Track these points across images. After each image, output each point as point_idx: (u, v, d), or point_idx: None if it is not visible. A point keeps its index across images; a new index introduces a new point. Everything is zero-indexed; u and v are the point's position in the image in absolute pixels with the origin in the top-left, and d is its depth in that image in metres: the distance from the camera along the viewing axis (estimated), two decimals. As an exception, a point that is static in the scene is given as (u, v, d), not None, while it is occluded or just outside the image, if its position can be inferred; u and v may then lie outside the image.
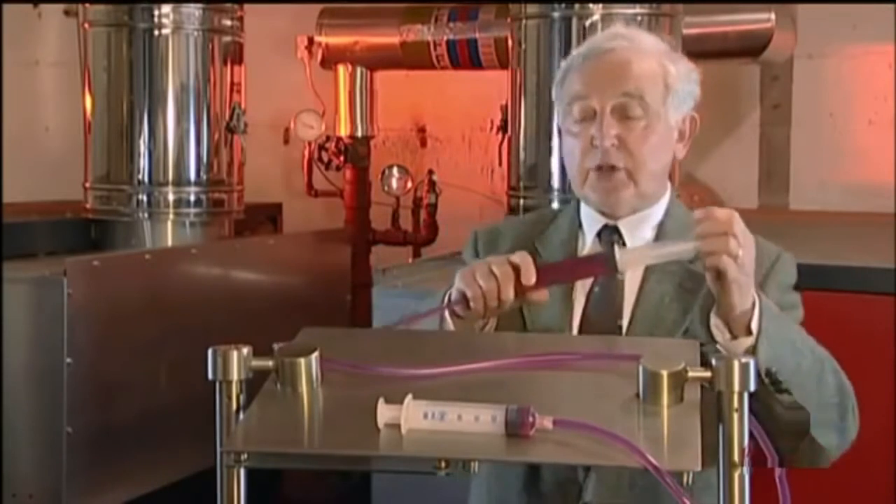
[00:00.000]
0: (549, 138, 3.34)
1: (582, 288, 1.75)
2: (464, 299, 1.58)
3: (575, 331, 1.74)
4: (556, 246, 1.81)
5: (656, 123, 1.74)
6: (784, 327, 1.63)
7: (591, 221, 1.82)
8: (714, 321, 1.61)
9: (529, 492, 1.73)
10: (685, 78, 1.80)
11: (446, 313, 1.62)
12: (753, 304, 1.59)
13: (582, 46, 1.81)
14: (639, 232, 1.79)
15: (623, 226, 1.79)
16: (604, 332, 1.72)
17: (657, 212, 1.81)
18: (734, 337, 1.59)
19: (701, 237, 1.56)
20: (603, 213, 1.80)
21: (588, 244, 1.81)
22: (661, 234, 1.79)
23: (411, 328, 1.62)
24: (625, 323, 1.74)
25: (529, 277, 1.56)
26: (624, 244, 1.77)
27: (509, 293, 1.56)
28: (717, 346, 1.59)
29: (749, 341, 1.58)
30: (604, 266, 1.61)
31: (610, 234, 1.80)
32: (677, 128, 1.80)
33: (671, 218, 1.81)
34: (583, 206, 1.84)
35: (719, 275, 1.56)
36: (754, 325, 1.58)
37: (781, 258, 1.77)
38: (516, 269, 1.56)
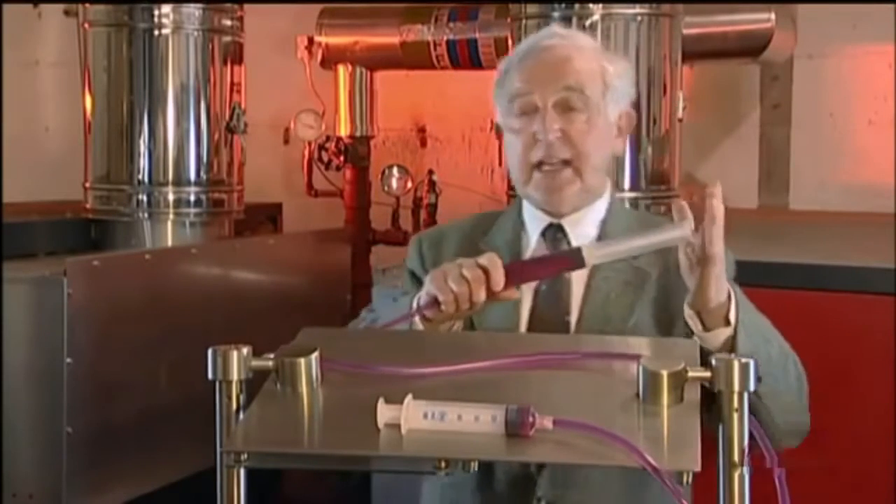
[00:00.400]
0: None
1: (529, 286, 1.76)
2: (435, 303, 1.60)
3: (524, 328, 1.76)
4: (501, 246, 1.83)
5: (597, 117, 1.77)
6: (756, 319, 1.68)
7: (534, 220, 1.84)
8: (688, 312, 1.62)
9: (483, 489, 1.74)
10: (622, 76, 1.82)
11: (416, 318, 1.64)
12: (729, 296, 1.61)
13: (520, 46, 1.83)
14: (582, 229, 1.81)
15: (567, 223, 1.81)
16: (553, 328, 1.74)
17: (599, 209, 1.84)
18: (707, 328, 1.61)
19: (696, 224, 1.58)
20: (546, 212, 1.82)
21: (532, 244, 1.83)
22: (604, 231, 1.82)
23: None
24: (573, 319, 1.77)
25: (499, 281, 1.58)
26: (568, 242, 1.80)
27: (481, 296, 1.58)
28: (695, 337, 1.61)
29: (727, 332, 1.60)
30: (570, 262, 1.63)
31: (554, 233, 1.82)
32: (616, 124, 1.82)
33: (613, 215, 1.84)
34: (525, 206, 1.86)
35: (700, 265, 1.59)
36: (732, 317, 1.61)
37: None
38: (486, 272, 1.58)
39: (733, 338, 1.60)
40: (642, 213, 1.98)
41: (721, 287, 1.60)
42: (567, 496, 1.70)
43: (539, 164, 1.76)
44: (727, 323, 1.61)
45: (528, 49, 1.81)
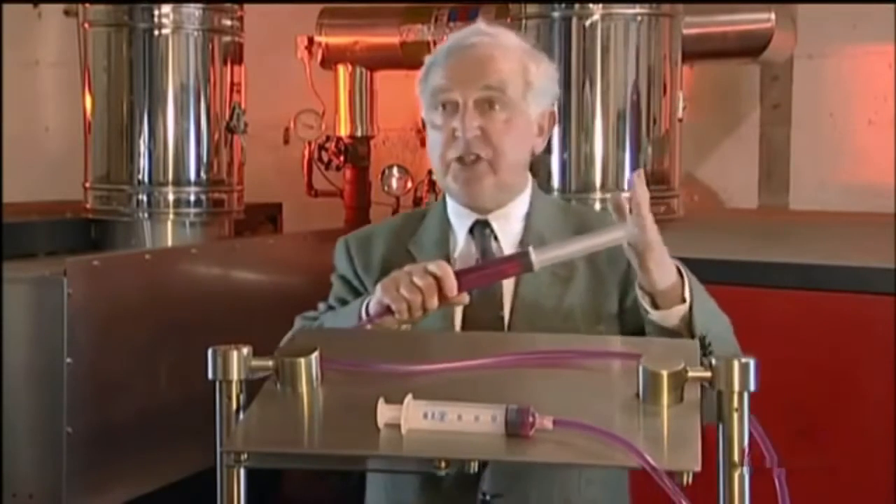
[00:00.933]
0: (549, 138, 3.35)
1: None
2: (387, 311, 1.61)
3: (458, 324, 1.77)
4: (430, 247, 1.84)
5: (517, 117, 1.78)
6: (702, 294, 1.70)
7: (461, 218, 1.85)
8: (639, 292, 1.66)
9: (427, 487, 1.75)
10: (545, 76, 1.83)
11: (368, 327, 1.65)
12: (680, 274, 1.65)
13: (445, 44, 1.84)
14: (508, 225, 1.83)
15: (493, 220, 1.83)
16: (487, 324, 1.76)
17: (522, 204, 1.85)
18: (660, 307, 1.64)
19: (631, 216, 1.60)
20: (469, 207, 1.83)
21: (460, 242, 1.84)
22: (528, 225, 1.83)
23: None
24: (506, 314, 1.78)
25: (452, 289, 1.60)
26: (496, 238, 1.82)
27: (434, 303, 1.60)
28: (650, 318, 1.65)
29: (682, 309, 1.64)
30: (519, 266, 1.64)
31: (482, 229, 1.83)
32: (537, 122, 1.83)
33: (536, 209, 1.86)
34: (450, 204, 1.87)
35: (638, 254, 1.62)
36: (687, 295, 1.64)
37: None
38: (437, 280, 1.60)
39: (689, 315, 1.63)
40: (564, 204, 1.99)
41: (664, 271, 1.63)
42: (511, 489, 1.71)
43: (458, 159, 1.78)
44: (682, 301, 1.64)
45: (452, 46, 1.82)
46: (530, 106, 1.79)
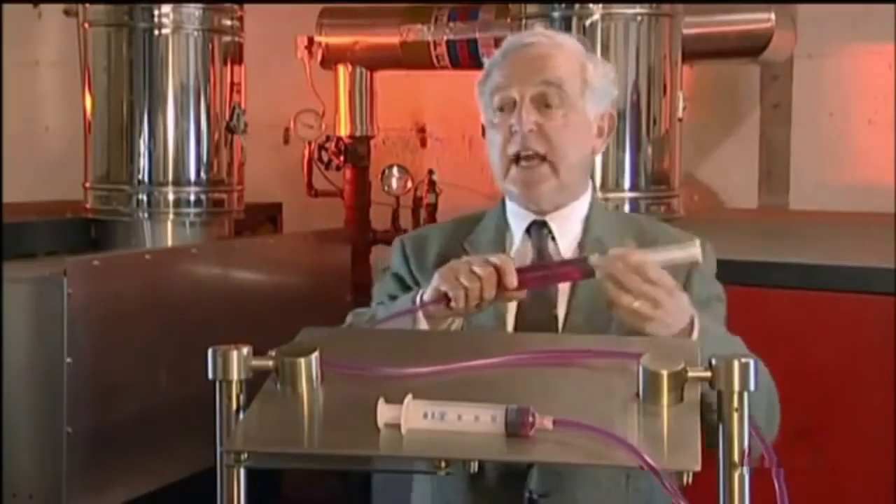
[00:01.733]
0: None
1: None
2: (443, 299, 1.60)
3: (511, 323, 1.76)
4: (485, 246, 1.83)
5: (574, 114, 1.78)
6: (721, 344, 1.64)
7: (518, 218, 1.84)
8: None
9: (475, 484, 1.74)
10: (603, 76, 1.82)
11: (420, 314, 1.64)
12: (692, 323, 1.61)
13: (503, 45, 1.84)
14: (567, 226, 1.82)
15: (551, 220, 1.82)
16: (541, 323, 1.75)
17: (582, 207, 1.84)
18: None
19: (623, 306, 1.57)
20: (528, 209, 1.82)
21: (517, 242, 1.83)
22: (587, 228, 1.82)
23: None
24: (561, 312, 1.77)
25: (512, 280, 1.59)
26: (553, 239, 1.80)
27: (492, 293, 1.59)
28: None
29: None
30: (581, 272, 1.64)
31: (539, 230, 1.82)
32: (596, 123, 1.82)
33: (596, 213, 1.85)
34: (508, 205, 1.86)
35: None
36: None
37: (705, 249, 1.79)
38: (497, 270, 1.59)
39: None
40: (621, 213, 1.98)
41: (667, 328, 1.59)
42: (558, 489, 1.71)
43: (517, 159, 1.77)
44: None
45: (510, 46, 1.82)
46: (588, 105, 1.79)
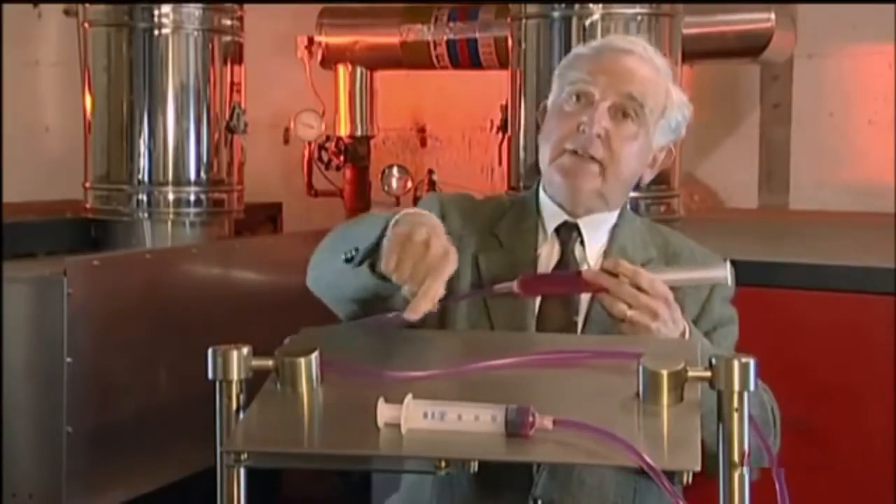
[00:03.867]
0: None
1: None
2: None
3: (532, 326, 1.76)
4: (517, 235, 1.82)
5: (643, 135, 1.77)
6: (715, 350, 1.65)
7: (550, 216, 1.83)
8: None
9: (480, 488, 1.74)
10: (680, 107, 1.82)
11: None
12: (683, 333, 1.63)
13: (600, 39, 1.85)
14: (595, 233, 1.82)
15: (583, 224, 1.81)
16: (561, 327, 1.75)
17: (612, 217, 1.84)
18: None
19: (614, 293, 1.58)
20: (561, 207, 1.81)
21: (548, 235, 1.83)
22: (613, 236, 1.82)
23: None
24: (580, 318, 1.77)
25: (425, 302, 1.47)
26: (582, 242, 1.80)
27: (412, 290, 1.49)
28: None
29: None
30: (583, 284, 1.65)
31: (569, 231, 1.82)
32: (655, 152, 1.81)
33: (624, 223, 1.85)
34: (542, 199, 1.85)
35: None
36: None
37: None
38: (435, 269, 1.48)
39: None
40: (651, 225, 1.98)
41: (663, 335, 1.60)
42: (564, 497, 1.71)
43: (573, 152, 1.76)
44: None
45: (606, 43, 1.81)
46: (657, 133, 1.78)
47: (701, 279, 1.67)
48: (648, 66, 1.77)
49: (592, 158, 1.75)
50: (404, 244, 1.49)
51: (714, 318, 1.78)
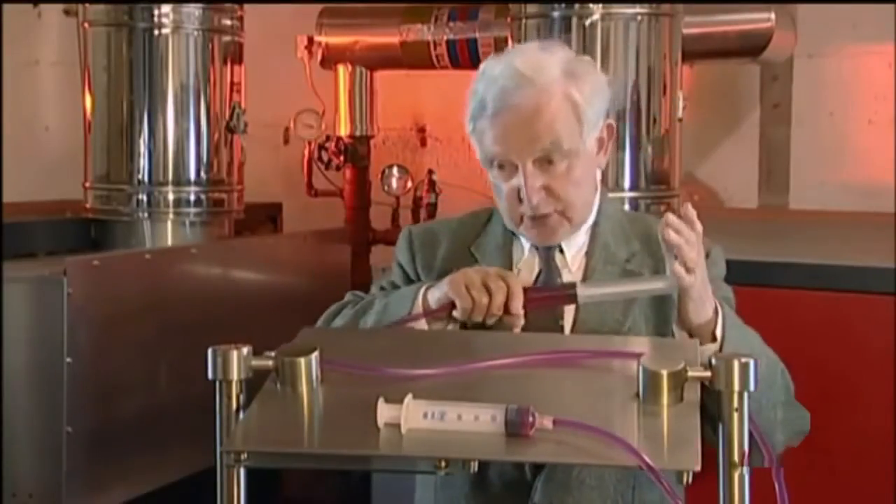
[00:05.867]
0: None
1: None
2: (449, 307, 1.61)
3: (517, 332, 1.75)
4: (493, 253, 1.84)
5: (577, 159, 1.75)
6: (743, 333, 1.69)
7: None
8: (676, 332, 1.66)
9: (478, 493, 1.74)
10: (594, 96, 1.77)
11: (423, 320, 1.65)
12: (716, 311, 1.64)
13: (488, 87, 1.75)
14: (573, 237, 1.82)
15: None
16: (545, 332, 1.74)
17: (589, 216, 1.84)
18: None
19: (676, 257, 1.59)
20: None
21: (526, 250, 1.84)
22: (594, 234, 1.83)
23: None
24: (567, 324, 1.77)
25: (517, 306, 1.61)
26: (561, 250, 1.81)
27: (499, 310, 1.60)
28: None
29: (713, 348, 1.62)
30: (566, 299, 1.68)
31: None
32: (597, 143, 1.80)
33: (603, 219, 1.85)
34: None
35: (682, 293, 1.61)
36: (718, 333, 1.64)
37: (711, 254, 1.80)
38: (508, 289, 1.61)
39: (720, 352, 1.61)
40: (632, 213, 1.97)
41: (700, 309, 1.63)
42: (565, 498, 1.70)
43: (530, 216, 1.77)
44: (714, 339, 1.64)
45: (497, 106, 1.73)
46: (586, 140, 1.76)
47: (643, 291, 1.69)
48: (543, 98, 1.72)
49: (549, 214, 1.76)
50: (464, 278, 1.61)
51: None
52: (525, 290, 1.65)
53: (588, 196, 1.81)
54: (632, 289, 1.67)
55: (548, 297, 1.70)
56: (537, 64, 1.75)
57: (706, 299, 1.63)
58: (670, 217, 1.59)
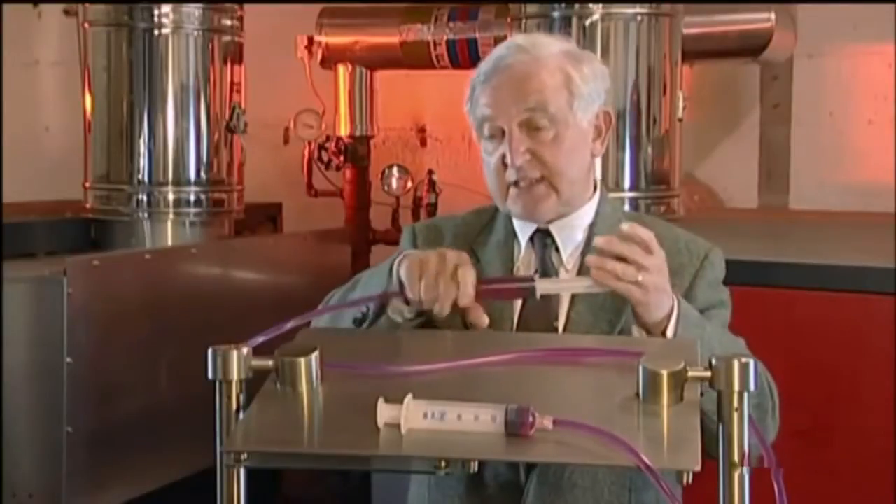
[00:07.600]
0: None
1: None
2: (401, 293, 1.60)
3: (514, 328, 1.76)
4: (493, 250, 1.84)
5: (565, 130, 1.75)
6: (702, 334, 1.64)
7: (523, 227, 1.84)
8: (635, 330, 1.65)
9: (471, 494, 1.74)
10: (592, 78, 1.78)
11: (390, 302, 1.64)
12: (671, 311, 1.62)
13: (486, 61, 1.80)
14: (571, 235, 1.82)
15: (554, 229, 1.81)
16: (540, 332, 1.74)
17: (587, 214, 1.83)
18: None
19: (596, 268, 1.58)
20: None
21: (523, 249, 1.83)
22: (591, 235, 1.80)
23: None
24: (560, 324, 1.77)
25: (465, 301, 1.58)
26: (557, 248, 1.80)
27: (445, 310, 1.58)
28: None
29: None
30: (523, 292, 1.66)
31: (542, 238, 1.82)
32: (591, 127, 1.80)
33: (602, 218, 1.84)
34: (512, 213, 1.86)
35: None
36: (669, 333, 1.62)
37: (710, 256, 1.80)
38: (458, 286, 1.57)
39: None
40: (630, 215, 1.96)
41: (654, 311, 1.60)
42: (556, 500, 1.70)
43: (514, 183, 1.77)
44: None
45: (490, 69, 1.78)
46: (578, 114, 1.76)
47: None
48: (535, 66, 1.74)
49: (534, 181, 1.75)
50: (420, 267, 1.58)
51: (700, 303, 1.77)
52: (482, 280, 1.65)
53: (578, 173, 1.79)
54: (590, 284, 1.64)
55: (503, 289, 1.69)
56: (538, 40, 1.80)
57: (658, 303, 1.61)
58: (590, 258, 1.59)
